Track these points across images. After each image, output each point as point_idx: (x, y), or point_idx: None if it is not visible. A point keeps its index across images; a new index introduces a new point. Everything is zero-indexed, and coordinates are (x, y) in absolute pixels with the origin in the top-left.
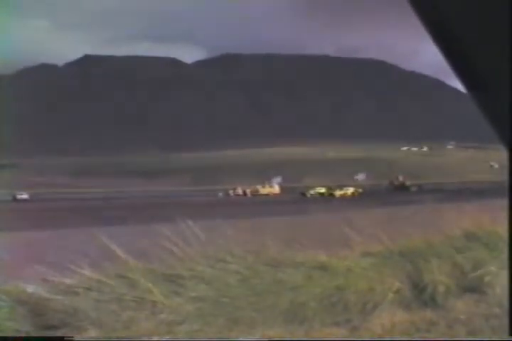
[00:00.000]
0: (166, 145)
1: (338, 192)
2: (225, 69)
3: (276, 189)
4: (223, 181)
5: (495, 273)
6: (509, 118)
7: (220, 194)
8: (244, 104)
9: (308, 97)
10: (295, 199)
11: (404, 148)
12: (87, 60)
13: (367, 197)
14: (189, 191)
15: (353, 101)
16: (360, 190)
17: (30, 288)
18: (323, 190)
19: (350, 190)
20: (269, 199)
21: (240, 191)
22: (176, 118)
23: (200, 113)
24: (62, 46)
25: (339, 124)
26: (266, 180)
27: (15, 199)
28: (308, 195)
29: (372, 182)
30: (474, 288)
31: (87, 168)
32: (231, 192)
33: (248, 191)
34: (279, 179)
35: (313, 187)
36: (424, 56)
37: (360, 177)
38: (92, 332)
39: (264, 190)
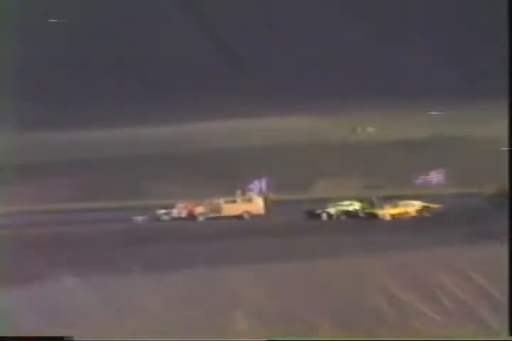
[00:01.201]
0: None
1: (386, 211)
2: None
3: (257, 204)
4: (145, 190)
5: None
6: None
7: (140, 218)
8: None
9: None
10: (297, 228)
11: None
12: None
13: (451, 220)
14: (72, 210)
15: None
16: (437, 206)
17: None
18: (354, 205)
19: (413, 206)
20: (243, 228)
21: (181, 210)
22: None
23: None
24: None
25: (376, 77)
26: (236, 186)
27: None
28: (325, 217)
29: (456, 190)
30: None
31: None
32: (162, 213)
33: (200, 210)
34: (261, 184)
35: (333, 201)
36: None
37: (435, 178)
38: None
39: (233, 208)
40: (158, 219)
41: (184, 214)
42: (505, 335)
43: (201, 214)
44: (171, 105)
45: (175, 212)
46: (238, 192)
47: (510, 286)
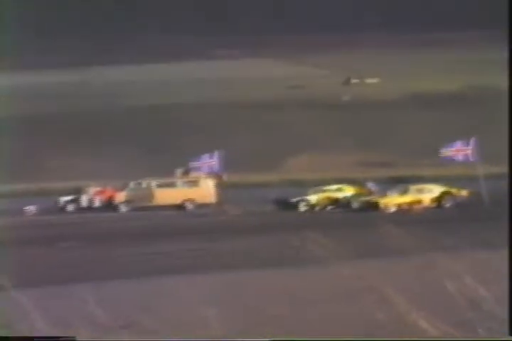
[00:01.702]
0: None
1: (391, 199)
2: None
3: (205, 189)
4: (42, 168)
5: None
6: None
7: (33, 208)
8: None
9: None
10: (264, 223)
11: None
12: None
13: (485, 212)
14: None
15: None
16: (464, 193)
17: None
18: (345, 191)
19: (430, 192)
20: (189, 223)
21: (95, 197)
22: None
23: None
24: None
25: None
26: (176, 163)
27: None
28: (303, 208)
29: (493, 169)
30: None
31: None
32: (67, 200)
33: (121, 197)
34: (211, 160)
35: (315, 184)
36: None
37: (462, 151)
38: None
39: (171, 195)
40: (61, 209)
41: (98, 202)
42: (505, 335)
43: (123, 202)
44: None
45: (85, 200)
46: (178, 171)
47: (510, 286)
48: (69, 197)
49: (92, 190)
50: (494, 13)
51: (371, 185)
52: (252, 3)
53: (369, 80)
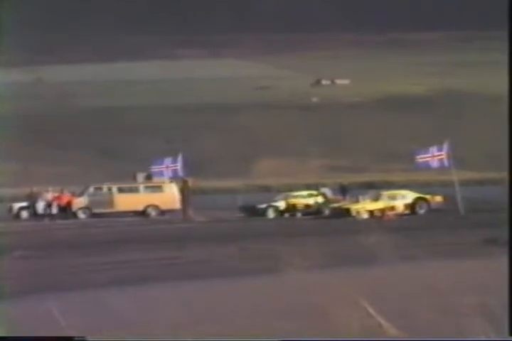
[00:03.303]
0: None
1: (363, 206)
2: None
3: (169, 195)
4: None
5: None
6: None
7: None
8: None
9: None
10: (237, 230)
11: None
12: None
13: (459, 219)
14: None
15: None
16: (438, 199)
17: None
18: (315, 197)
19: (403, 198)
20: (152, 230)
21: (51, 202)
22: None
23: None
24: None
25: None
26: (138, 166)
27: None
28: (272, 214)
29: (467, 175)
30: None
31: None
32: (20, 206)
33: (80, 202)
34: (175, 165)
35: (283, 190)
36: None
37: (436, 156)
38: None
39: (132, 200)
40: (15, 216)
41: (55, 208)
42: (505, 335)
43: (82, 208)
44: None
45: (40, 206)
46: (140, 175)
47: (510, 286)
48: (23, 204)
49: (48, 195)
50: (466, 15)
51: (327, 191)
52: (216, 1)
53: (340, 81)
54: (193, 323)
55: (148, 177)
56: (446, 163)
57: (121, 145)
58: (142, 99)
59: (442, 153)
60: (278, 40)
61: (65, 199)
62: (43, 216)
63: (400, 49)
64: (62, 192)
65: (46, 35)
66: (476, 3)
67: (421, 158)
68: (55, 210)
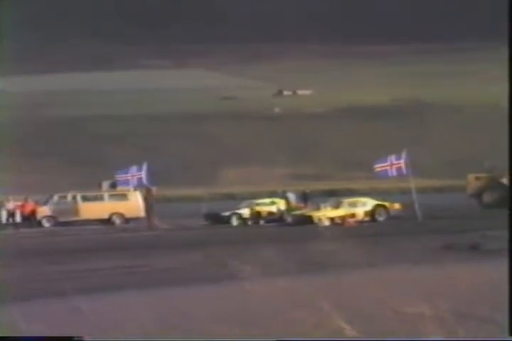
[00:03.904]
0: None
1: (324, 213)
2: None
3: (134, 203)
4: None
5: None
6: None
7: None
8: None
9: None
10: (201, 237)
11: None
12: None
13: (417, 225)
14: None
15: None
16: (397, 206)
17: None
18: (278, 204)
19: (363, 206)
20: (117, 238)
21: (14, 210)
22: None
23: None
24: None
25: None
26: (102, 175)
27: None
28: (235, 222)
29: (426, 183)
30: None
31: None
32: None
33: (44, 211)
34: (139, 173)
35: (246, 197)
36: None
37: (395, 165)
38: None
39: (97, 208)
40: None
41: (19, 217)
42: (505, 335)
43: (47, 216)
44: None
45: (4, 215)
46: (105, 184)
47: (510, 286)
48: None
49: (11, 204)
50: (432, 26)
51: (291, 197)
52: (183, 12)
53: (301, 92)
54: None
55: (113, 186)
56: (404, 171)
57: (88, 154)
58: (108, 109)
59: (400, 161)
60: (244, 50)
61: (28, 208)
62: (6, 225)
63: (365, 60)
64: (26, 200)
65: (12, 44)
66: (445, 15)
67: (379, 167)
68: (18, 219)
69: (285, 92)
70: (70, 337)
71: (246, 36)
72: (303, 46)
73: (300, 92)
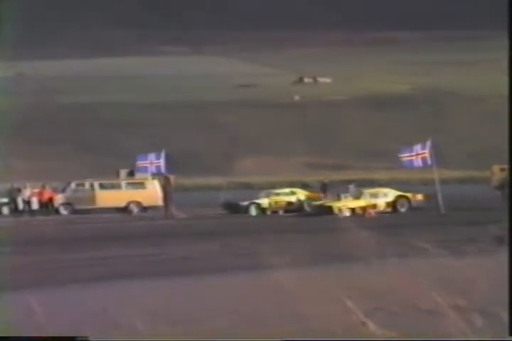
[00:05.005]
0: None
1: (344, 203)
2: None
3: (152, 191)
4: None
5: None
6: None
7: None
8: None
9: None
10: (219, 227)
11: None
12: None
13: (441, 217)
14: None
15: None
16: (420, 197)
17: None
18: (297, 194)
19: (385, 196)
20: (134, 227)
21: (31, 198)
22: None
23: None
24: None
25: None
26: (119, 163)
27: None
28: (254, 212)
29: (450, 174)
30: None
31: None
32: (1, 202)
33: (61, 198)
34: (158, 161)
35: (265, 187)
36: None
37: (419, 155)
38: None
39: (114, 197)
40: None
41: (36, 204)
42: (505, 335)
43: (64, 204)
44: None
45: (21, 202)
46: (122, 172)
47: (510, 286)
48: (3, 199)
49: (29, 191)
50: (449, 15)
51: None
52: None
53: (322, 80)
54: (172, 320)
55: (131, 174)
56: (428, 161)
57: (101, 141)
58: (123, 96)
59: (425, 151)
60: (262, 37)
61: (46, 195)
62: (24, 212)
63: (385, 47)
64: (43, 187)
65: (27, 30)
66: (461, 3)
67: (405, 157)
68: (35, 206)
69: (305, 80)
70: (73, 337)
71: (265, 23)
72: (323, 33)
73: (321, 80)
